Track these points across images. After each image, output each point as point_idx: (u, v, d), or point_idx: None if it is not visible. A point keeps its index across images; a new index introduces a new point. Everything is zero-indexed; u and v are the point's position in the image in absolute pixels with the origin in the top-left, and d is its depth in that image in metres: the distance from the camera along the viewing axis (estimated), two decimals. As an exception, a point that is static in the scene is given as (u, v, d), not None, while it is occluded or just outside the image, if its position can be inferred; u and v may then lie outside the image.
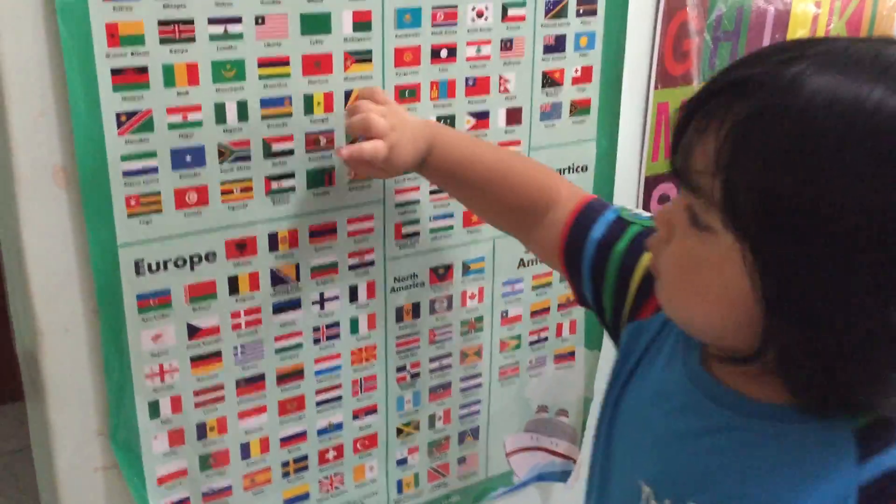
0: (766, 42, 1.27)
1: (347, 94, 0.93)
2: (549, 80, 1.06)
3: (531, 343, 1.18)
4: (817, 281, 0.53)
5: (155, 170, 0.84)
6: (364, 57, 0.93)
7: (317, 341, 0.99)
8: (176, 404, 0.92)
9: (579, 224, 0.83)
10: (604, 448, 0.75)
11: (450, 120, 1.00)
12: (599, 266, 0.80)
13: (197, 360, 0.92)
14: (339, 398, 1.03)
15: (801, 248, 0.52)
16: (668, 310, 0.65)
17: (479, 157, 0.90)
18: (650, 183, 1.23)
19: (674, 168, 0.60)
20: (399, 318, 1.05)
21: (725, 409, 0.62)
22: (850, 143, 0.50)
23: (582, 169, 1.13)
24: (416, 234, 1.03)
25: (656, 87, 1.18)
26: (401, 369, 1.08)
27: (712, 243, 0.57)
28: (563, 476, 1.28)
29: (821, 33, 1.33)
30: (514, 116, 1.05)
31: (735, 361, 0.60)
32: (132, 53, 0.79)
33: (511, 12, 1.00)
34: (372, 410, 1.07)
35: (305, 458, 1.03)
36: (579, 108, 1.10)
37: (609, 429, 0.74)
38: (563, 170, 1.12)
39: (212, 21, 0.82)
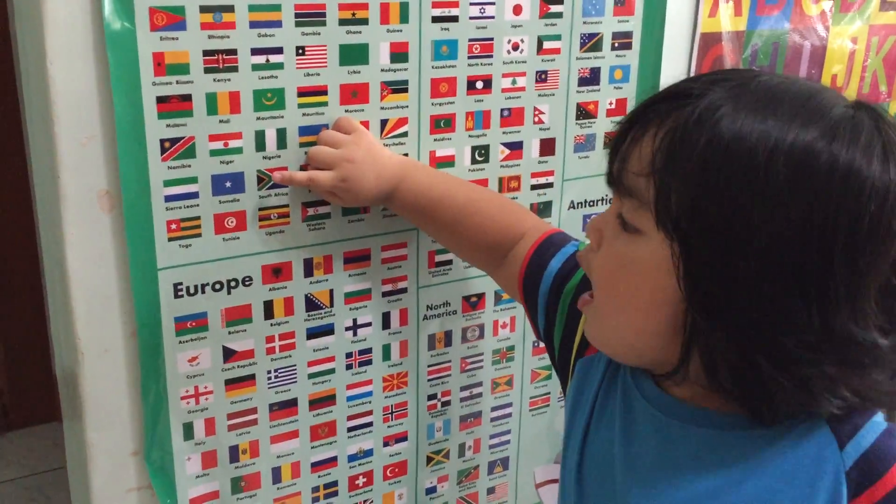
0: (802, 76, 1.27)
1: (383, 123, 0.94)
2: (584, 112, 1.07)
3: (562, 374, 1.18)
4: (738, 284, 0.55)
5: (196, 195, 0.86)
6: (400, 87, 0.94)
7: (349, 367, 1.00)
8: (210, 426, 0.93)
9: (539, 256, 0.84)
10: (576, 496, 0.73)
11: (484, 150, 1.01)
12: (553, 300, 0.81)
13: (231, 384, 0.93)
14: (370, 424, 1.04)
15: (723, 251, 0.55)
16: (595, 327, 0.66)
17: (450, 196, 0.91)
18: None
19: (609, 175, 0.63)
20: (431, 345, 1.06)
21: (699, 427, 0.62)
22: (762, 166, 0.54)
23: (615, 200, 1.13)
24: (449, 262, 1.04)
25: (690, 120, 1.18)
26: (431, 397, 1.08)
27: (642, 244, 0.59)
28: (593, 509, 1.27)
29: (857, 69, 1.33)
30: (548, 147, 1.06)
31: (662, 376, 0.63)
32: (177, 82, 0.82)
33: (546, 45, 1.01)
34: (402, 438, 1.07)
35: (335, 483, 1.04)
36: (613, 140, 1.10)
37: (578, 474, 0.72)
38: (597, 201, 1.12)
39: (254, 51, 0.85)
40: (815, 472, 0.59)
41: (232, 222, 0.89)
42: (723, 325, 0.56)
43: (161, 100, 0.82)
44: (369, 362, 1.02)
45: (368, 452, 1.05)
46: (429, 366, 1.06)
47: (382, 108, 0.94)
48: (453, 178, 0.95)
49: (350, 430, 1.03)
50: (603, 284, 0.64)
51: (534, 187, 1.06)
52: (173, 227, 0.86)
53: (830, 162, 0.53)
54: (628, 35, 1.07)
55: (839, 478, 0.58)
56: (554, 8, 1.00)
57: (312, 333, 0.97)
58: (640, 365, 0.66)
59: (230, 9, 0.82)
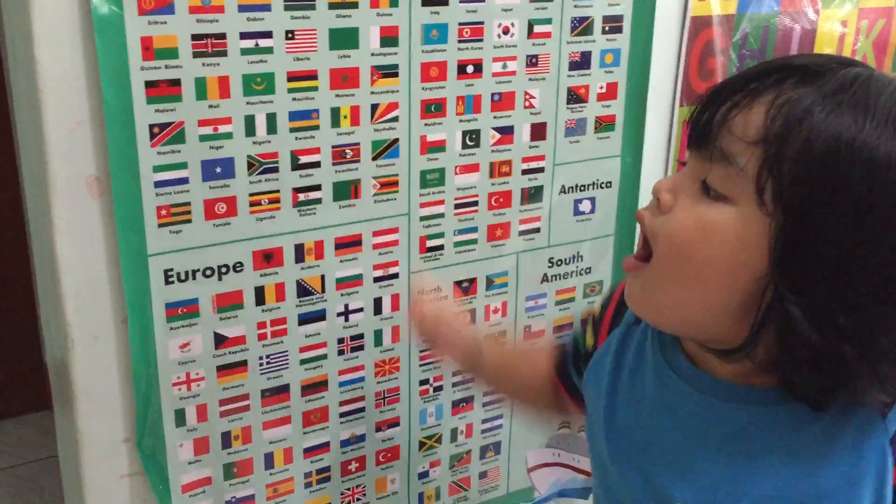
0: (791, 60, 1.27)
1: (374, 108, 0.94)
2: (575, 97, 1.07)
3: (554, 358, 1.18)
4: (843, 270, 0.53)
5: (185, 181, 0.85)
6: (391, 71, 0.94)
7: (341, 353, 1.00)
8: (202, 413, 0.93)
9: (560, 356, 0.83)
10: (605, 478, 0.72)
11: (475, 135, 1.01)
12: (577, 362, 0.80)
13: (223, 370, 0.93)
14: (362, 410, 1.04)
15: (833, 234, 0.52)
16: (647, 294, 0.62)
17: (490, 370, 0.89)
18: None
19: (700, 137, 0.58)
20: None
21: (738, 403, 0.60)
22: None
23: (606, 185, 1.14)
24: (441, 247, 1.04)
25: (681, 105, 1.18)
26: (424, 382, 1.08)
27: (729, 214, 0.56)
28: (584, 493, 1.28)
29: (847, 52, 1.33)
30: (538, 132, 1.06)
31: (720, 352, 0.59)
32: (166, 66, 0.81)
33: (537, 29, 1.01)
34: (394, 423, 1.07)
35: (328, 469, 1.04)
36: (604, 125, 1.11)
37: (611, 455, 0.70)
38: (589, 186, 1.12)
39: (243, 35, 0.84)
40: (862, 442, 0.57)
41: (222, 208, 0.88)
42: (812, 308, 0.53)
43: (150, 84, 0.81)
44: (361, 348, 1.02)
45: (361, 438, 1.05)
46: (421, 351, 1.06)
47: (373, 93, 0.93)
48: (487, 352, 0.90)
49: (342, 415, 1.03)
50: (672, 251, 0.58)
51: (525, 172, 1.06)
52: (163, 212, 0.85)
53: None
54: (619, 19, 1.07)
55: (885, 447, 0.57)
56: (544, -9, 1.00)
57: (304, 319, 0.96)
58: (693, 339, 0.62)
59: (219, -8, 0.82)
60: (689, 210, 0.58)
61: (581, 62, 1.06)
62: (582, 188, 1.12)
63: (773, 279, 0.55)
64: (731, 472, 0.61)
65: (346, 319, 0.99)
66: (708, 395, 0.62)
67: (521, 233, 1.09)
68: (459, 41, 0.97)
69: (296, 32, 0.87)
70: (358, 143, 0.94)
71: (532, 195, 1.08)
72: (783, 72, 0.56)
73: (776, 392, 0.59)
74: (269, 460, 0.99)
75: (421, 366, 1.07)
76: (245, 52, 0.85)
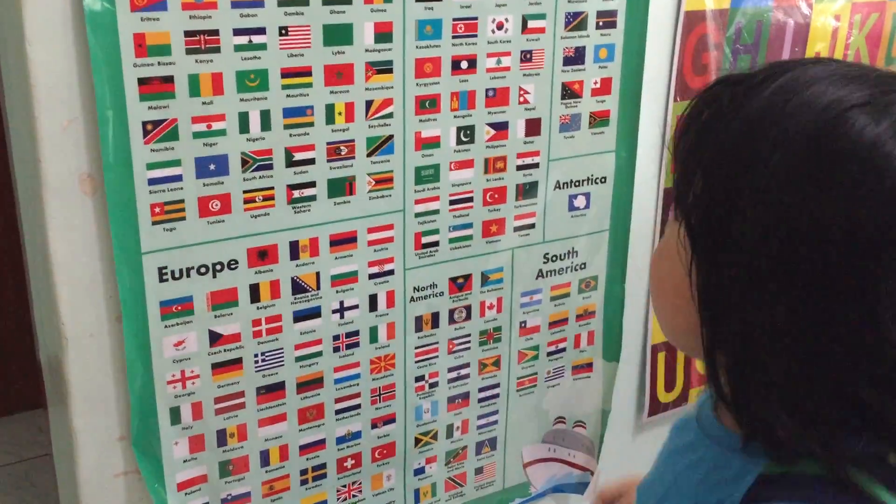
0: (785, 54, 1.27)
1: (368, 104, 0.94)
2: (569, 92, 1.07)
3: (549, 354, 1.18)
4: (736, 287, 0.49)
5: (179, 178, 0.85)
6: (385, 67, 0.94)
7: (336, 350, 1.00)
8: (197, 410, 0.93)
9: None
10: None
11: (469, 130, 1.01)
12: None
13: (218, 367, 0.93)
14: (357, 407, 1.04)
15: (728, 248, 0.50)
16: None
17: None
18: (669, 194, 1.23)
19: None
20: (418, 327, 1.06)
21: (701, 433, 0.57)
22: (787, 155, 0.48)
23: (601, 180, 1.14)
24: (436, 243, 1.04)
25: (675, 100, 1.18)
26: (419, 379, 1.08)
27: (673, 230, 0.55)
28: (580, 488, 1.28)
29: (840, 47, 1.33)
30: (533, 127, 1.06)
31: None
32: (159, 63, 0.81)
33: (531, 24, 1.01)
34: (390, 419, 1.07)
35: (324, 466, 1.04)
36: (599, 120, 1.10)
37: None
38: (583, 181, 1.12)
39: (237, 32, 0.84)
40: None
41: (216, 205, 0.88)
42: (721, 328, 0.50)
43: (142, 81, 0.81)
44: (356, 345, 1.02)
45: (356, 434, 1.05)
46: (416, 347, 1.06)
47: (367, 89, 0.93)
48: None
49: (338, 412, 1.03)
50: (651, 266, 0.60)
51: (519, 168, 1.06)
52: (157, 210, 0.85)
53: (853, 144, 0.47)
54: (613, 14, 1.07)
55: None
56: (538, -13, 1.00)
57: (299, 316, 0.96)
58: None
59: (212, -12, 0.81)
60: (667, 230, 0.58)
61: (575, 57, 1.06)
62: (576, 183, 1.12)
63: (693, 297, 0.52)
64: (670, 478, 0.59)
65: (342, 316, 0.99)
66: (710, 441, 0.57)
67: (516, 228, 1.09)
68: (453, 37, 0.96)
69: (289, 28, 0.87)
70: (352, 140, 0.94)
71: (527, 191, 1.08)
72: (720, 85, 0.54)
73: (725, 433, 0.55)
74: (264, 457, 0.99)
75: (416, 362, 1.07)
76: (238, 48, 0.84)
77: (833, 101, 0.48)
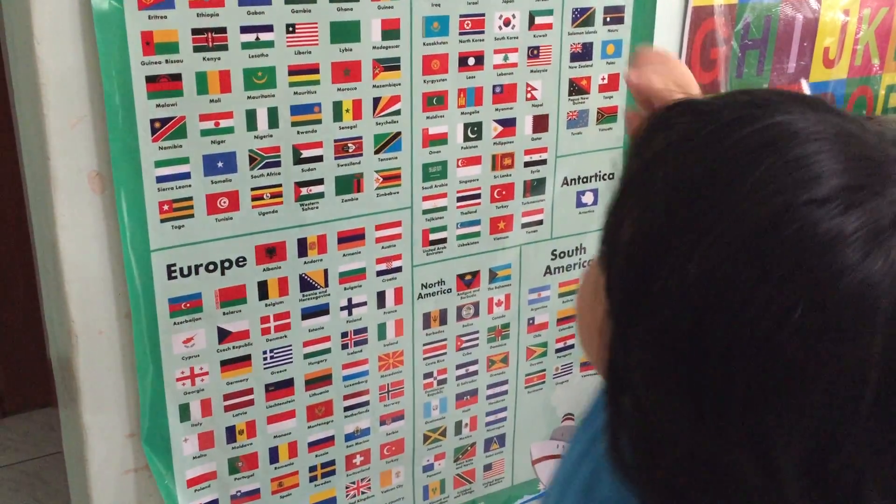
0: (794, 50, 1.27)
1: (376, 101, 0.94)
2: (576, 88, 1.07)
3: (557, 350, 1.18)
4: (638, 371, 0.45)
5: (187, 175, 0.85)
6: (392, 65, 0.94)
7: (345, 346, 1.00)
8: (206, 407, 0.93)
9: None
10: None
11: (477, 127, 1.01)
12: None
13: (227, 364, 0.93)
14: (366, 403, 1.04)
15: (638, 324, 0.44)
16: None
17: None
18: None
19: None
20: (426, 324, 1.06)
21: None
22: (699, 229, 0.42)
23: (609, 176, 1.13)
24: (444, 240, 1.04)
25: (683, 95, 1.18)
26: (428, 375, 1.08)
27: (594, 272, 0.50)
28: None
29: (849, 42, 1.32)
30: (541, 124, 1.05)
31: None
32: (167, 61, 0.81)
33: (538, 20, 1.01)
34: (399, 416, 1.07)
35: (333, 462, 1.04)
36: (606, 116, 1.10)
37: None
38: (591, 178, 1.12)
39: (244, 29, 0.84)
40: None
41: (224, 202, 0.88)
42: (619, 381, 0.46)
43: (150, 79, 0.81)
44: (365, 342, 1.02)
45: (365, 431, 1.05)
46: (424, 344, 1.06)
47: (375, 86, 0.93)
48: None
49: (346, 409, 1.03)
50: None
51: (527, 164, 1.06)
52: (165, 207, 0.85)
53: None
54: (620, 9, 1.07)
55: None
56: (545, -17, 1.00)
57: (307, 313, 0.96)
58: None
59: (219, -14, 0.81)
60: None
61: (582, 53, 1.06)
62: (584, 180, 1.12)
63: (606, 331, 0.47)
64: (569, 466, 0.59)
65: (350, 313, 0.99)
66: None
67: (524, 225, 1.09)
68: (461, 33, 0.96)
69: (297, 26, 0.87)
70: (360, 137, 0.94)
71: (534, 187, 1.08)
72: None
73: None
74: (273, 454, 0.99)
75: (425, 359, 1.07)
76: (246, 46, 0.85)
77: (805, 185, 0.41)
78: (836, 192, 0.40)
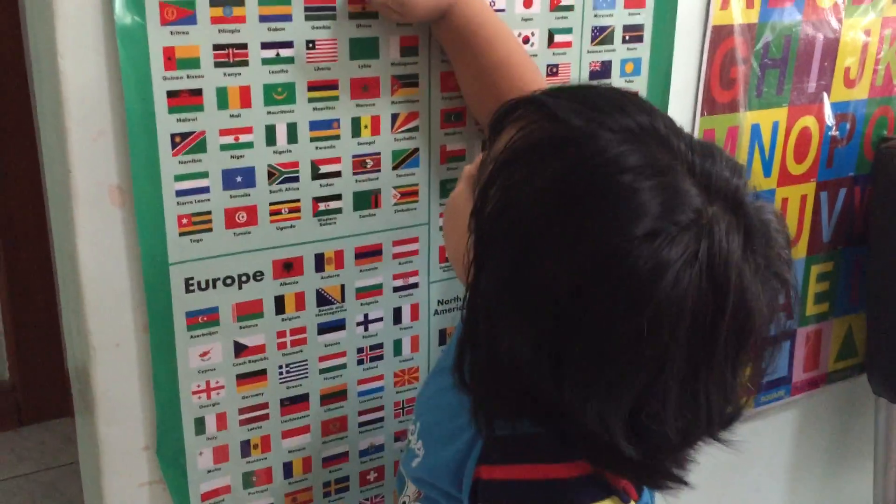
0: (814, 70, 1.26)
1: (394, 117, 0.94)
2: (595, 106, 1.06)
3: (574, 368, 1.17)
4: (486, 306, 0.62)
5: (206, 190, 0.86)
6: (411, 81, 0.94)
7: (360, 362, 1.00)
8: (221, 421, 0.93)
9: None
10: None
11: (495, 144, 1.01)
12: None
13: (243, 378, 0.93)
14: (381, 420, 1.04)
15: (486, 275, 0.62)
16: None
17: (493, 46, 0.90)
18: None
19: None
20: (442, 340, 1.05)
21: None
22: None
23: (627, 194, 1.13)
24: (460, 257, 1.03)
25: (703, 114, 1.18)
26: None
27: (461, 188, 0.71)
28: None
29: (870, 62, 1.32)
30: (559, 141, 1.05)
31: None
32: (188, 76, 0.82)
33: (557, 38, 1.01)
34: (413, 433, 1.07)
35: (347, 478, 1.04)
36: (624, 134, 1.10)
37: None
38: (608, 195, 1.12)
39: (265, 45, 0.85)
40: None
41: (243, 217, 0.89)
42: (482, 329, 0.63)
43: (171, 94, 0.82)
44: (381, 357, 1.02)
45: (380, 448, 1.05)
46: (440, 360, 1.06)
47: (393, 103, 0.94)
48: (502, 27, 0.92)
49: (361, 425, 1.03)
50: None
51: (545, 181, 1.06)
52: (184, 221, 0.86)
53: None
54: (639, 28, 1.07)
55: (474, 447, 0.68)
56: (565, 1, 1.00)
57: (324, 328, 0.97)
58: None
59: (240, 2, 0.82)
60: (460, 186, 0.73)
61: (601, 71, 1.06)
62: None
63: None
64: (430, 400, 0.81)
65: (366, 329, 1.00)
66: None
67: (541, 242, 1.08)
68: (480, 51, 0.97)
69: (317, 42, 0.87)
70: (378, 153, 0.94)
71: (552, 205, 1.07)
72: (535, 105, 0.64)
73: None
74: (288, 469, 0.99)
75: (440, 375, 1.07)
76: (266, 61, 0.85)
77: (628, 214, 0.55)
78: (658, 228, 0.54)
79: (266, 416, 0.96)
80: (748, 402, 0.63)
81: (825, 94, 1.29)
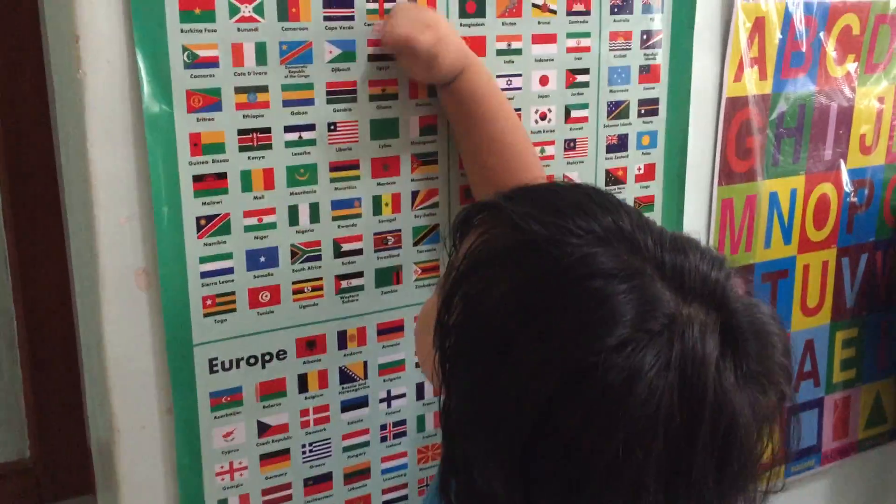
0: (830, 137, 1.27)
1: (414, 195, 0.95)
2: (613, 178, 1.08)
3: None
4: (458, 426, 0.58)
5: (231, 270, 0.87)
6: (430, 159, 0.96)
7: (384, 439, 1.00)
8: (244, 503, 0.92)
9: None
10: None
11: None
12: None
13: (266, 458, 0.93)
14: (405, 497, 1.03)
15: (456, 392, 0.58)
16: None
17: (496, 116, 0.91)
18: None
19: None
20: (465, 415, 1.05)
21: None
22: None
23: (647, 265, 1.13)
24: (482, 331, 1.03)
25: (720, 184, 1.19)
26: (467, 468, 1.06)
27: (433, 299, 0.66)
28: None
29: (885, 129, 1.33)
30: (578, 214, 1.06)
31: None
32: (213, 160, 0.83)
33: (574, 114, 1.03)
34: (438, 510, 1.05)
35: (371, 559, 1.02)
36: (643, 205, 1.11)
37: None
38: (628, 266, 1.12)
39: (287, 129, 0.86)
40: None
41: (266, 296, 0.89)
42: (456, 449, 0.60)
43: (197, 178, 0.83)
44: (404, 434, 1.01)
45: (404, 526, 1.03)
46: (463, 436, 1.05)
47: (413, 180, 0.95)
48: (504, 103, 0.93)
49: (385, 503, 1.01)
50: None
51: (565, 254, 1.06)
52: (209, 302, 0.86)
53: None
54: (655, 102, 1.08)
55: None
56: (580, 77, 1.02)
57: (347, 406, 0.96)
58: None
59: (264, 89, 0.84)
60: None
61: (618, 145, 1.07)
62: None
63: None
64: None
65: (389, 405, 0.99)
66: None
67: (563, 315, 1.08)
68: (498, 128, 0.98)
69: (338, 124, 0.89)
70: (399, 230, 0.95)
71: (573, 277, 1.07)
72: (494, 210, 0.61)
73: None
74: (311, 550, 0.98)
75: (464, 451, 1.06)
76: (289, 144, 0.87)
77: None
78: (629, 337, 0.50)
79: (289, 497, 0.95)
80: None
81: (842, 161, 1.30)
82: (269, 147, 0.86)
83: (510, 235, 0.57)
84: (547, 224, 0.55)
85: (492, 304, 0.55)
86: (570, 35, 1.00)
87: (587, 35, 1.01)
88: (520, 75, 0.98)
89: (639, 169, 1.09)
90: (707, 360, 0.50)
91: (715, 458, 0.51)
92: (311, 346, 0.93)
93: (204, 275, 0.85)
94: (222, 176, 0.84)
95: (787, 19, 1.17)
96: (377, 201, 0.93)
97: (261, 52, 0.84)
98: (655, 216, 1.12)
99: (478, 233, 0.59)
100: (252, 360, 0.90)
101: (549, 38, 0.99)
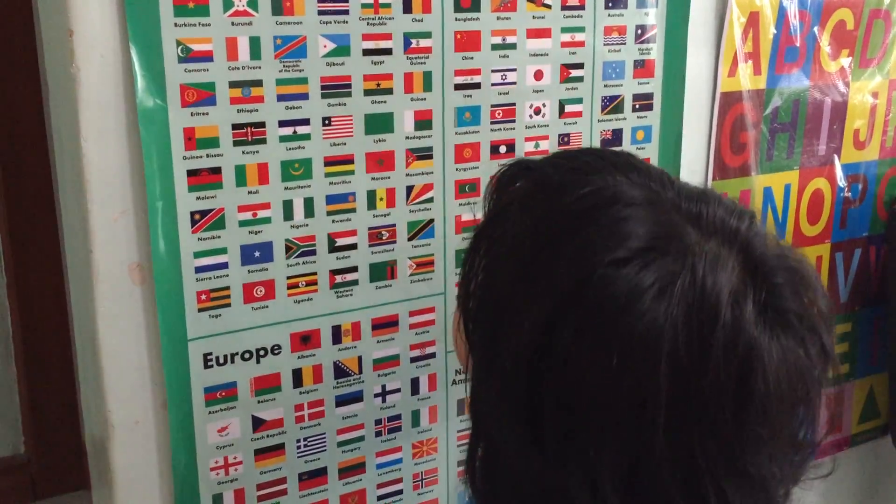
0: (824, 132, 1.27)
1: (409, 190, 0.95)
2: (607, 174, 1.08)
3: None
4: (489, 400, 0.56)
5: (225, 265, 0.87)
6: (425, 154, 0.95)
7: (378, 434, 1.00)
8: (239, 497, 0.92)
9: None
10: None
11: (509, 213, 1.02)
12: None
13: (261, 453, 0.93)
14: (399, 492, 1.03)
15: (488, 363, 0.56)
16: None
17: None
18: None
19: None
20: (460, 410, 1.05)
21: None
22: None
23: (641, 260, 1.13)
24: (477, 326, 1.03)
25: (714, 178, 1.19)
26: (462, 463, 1.07)
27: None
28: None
29: (879, 124, 1.33)
30: (572, 209, 1.06)
31: None
32: (207, 155, 0.83)
33: (568, 109, 1.03)
34: (433, 505, 1.06)
35: (366, 553, 1.02)
36: (637, 200, 1.11)
37: None
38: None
39: (282, 123, 0.86)
40: None
41: (261, 291, 0.89)
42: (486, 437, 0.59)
43: (191, 173, 0.83)
44: (398, 429, 1.01)
45: (399, 521, 1.04)
46: (458, 431, 1.05)
47: (408, 175, 0.95)
48: None
49: (380, 498, 1.01)
50: None
51: (559, 249, 1.06)
52: (203, 297, 0.86)
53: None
54: (649, 96, 1.08)
55: None
56: (575, 72, 1.02)
57: (341, 401, 0.96)
58: None
59: (258, 83, 0.84)
60: None
61: (612, 140, 1.07)
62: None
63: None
64: None
65: (384, 400, 0.99)
66: None
67: (557, 310, 1.08)
68: (492, 122, 0.98)
69: (332, 118, 0.89)
70: (394, 225, 0.95)
71: (567, 272, 1.08)
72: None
73: None
74: (306, 545, 0.98)
75: (459, 446, 1.06)
76: (283, 138, 0.87)
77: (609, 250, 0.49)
78: (635, 254, 0.48)
79: (284, 492, 0.95)
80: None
81: (836, 157, 1.30)
82: (263, 142, 0.86)
83: (531, 180, 0.58)
84: (570, 168, 0.56)
85: (511, 242, 0.54)
86: (564, 30, 1.00)
87: (581, 30, 1.01)
88: (514, 70, 0.98)
89: (633, 164, 1.09)
90: (719, 290, 0.47)
91: (731, 396, 0.47)
92: (305, 340, 0.93)
93: (198, 270, 0.85)
94: (216, 170, 0.84)
95: (782, 14, 1.18)
96: (372, 196, 0.93)
97: (255, 47, 0.83)
98: (650, 211, 1.12)
99: (502, 193, 0.60)
100: (247, 355, 0.90)
101: (544, 33, 0.99)
